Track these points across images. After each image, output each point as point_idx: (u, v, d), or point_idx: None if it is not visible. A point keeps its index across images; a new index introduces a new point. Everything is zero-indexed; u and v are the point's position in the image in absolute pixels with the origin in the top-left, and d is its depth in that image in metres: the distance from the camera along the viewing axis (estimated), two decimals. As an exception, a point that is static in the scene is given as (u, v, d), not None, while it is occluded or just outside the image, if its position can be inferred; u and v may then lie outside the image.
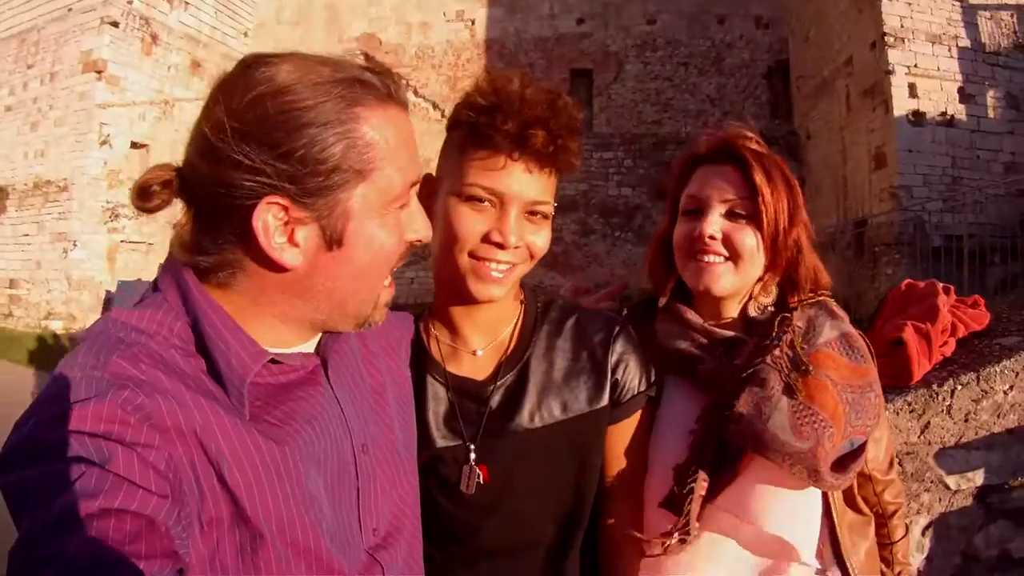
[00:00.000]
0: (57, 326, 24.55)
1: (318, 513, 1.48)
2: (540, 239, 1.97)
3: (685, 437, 2.15)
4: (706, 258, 2.16)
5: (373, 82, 1.48)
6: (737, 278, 2.18)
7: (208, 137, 1.37)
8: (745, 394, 2.04)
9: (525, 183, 1.87)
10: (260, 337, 1.48)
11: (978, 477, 3.53)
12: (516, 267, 1.96)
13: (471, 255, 1.92)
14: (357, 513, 1.62)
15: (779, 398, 2.03)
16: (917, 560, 3.48)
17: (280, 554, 1.38)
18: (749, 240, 2.14)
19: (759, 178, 2.10)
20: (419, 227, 1.58)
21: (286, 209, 1.39)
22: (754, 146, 2.16)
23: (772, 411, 2.01)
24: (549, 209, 1.97)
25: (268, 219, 1.38)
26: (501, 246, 1.89)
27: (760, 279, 2.23)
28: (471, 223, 1.90)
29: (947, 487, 3.51)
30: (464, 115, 1.92)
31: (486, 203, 1.89)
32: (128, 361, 1.31)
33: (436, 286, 2.16)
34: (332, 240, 1.44)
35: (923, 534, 3.52)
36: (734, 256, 2.15)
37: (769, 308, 2.27)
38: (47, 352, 20.60)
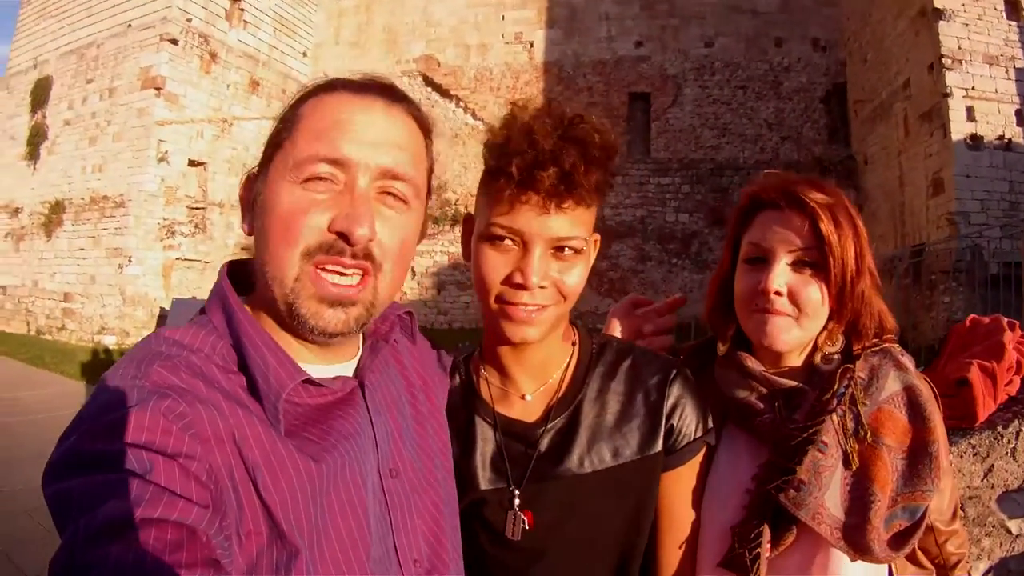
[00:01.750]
0: (110, 341, 25.05)
1: (356, 533, 1.48)
2: (571, 277, 1.85)
3: (740, 493, 2.06)
4: (770, 315, 2.07)
5: (349, 81, 1.62)
6: (801, 333, 2.08)
7: None
8: (808, 459, 1.95)
9: (543, 222, 1.77)
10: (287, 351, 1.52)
11: (1042, 521, 3.41)
12: (546, 308, 1.85)
13: (498, 299, 1.85)
14: (392, 539, 1.60)
15: (837, 467, 1.96)
16: (975, 608, 3.37)
17: (317, 573, 1.38)
18: (815, 294, 2.04)
19: (827, 227, 1.98)
20: (343, 214, 1.47)
21: (252, 181, 1.59)
22: (817, 195, 2.04)
23: (830, 482, 1.94)
24: (579, 244, 1.83)
25: (241, 192, 1.63)
26: (524, 287, 1.80)
27: (824, 328, 2.13)
28: (493, 264, 1.83)
29: (1008, 531, 3.40)
30: (483, 153, 1.86)
31: (508, 242, 1.81)
32: (169, 370, 1.35)
33: (484, 327, 2.06)
34: (256, 199, 1.56)
35: None
36: (799, 312, 2.05)
37: (835, 356, 2.16)
38: (99, 366, 20.79)
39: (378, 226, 1.50)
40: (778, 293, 2.02)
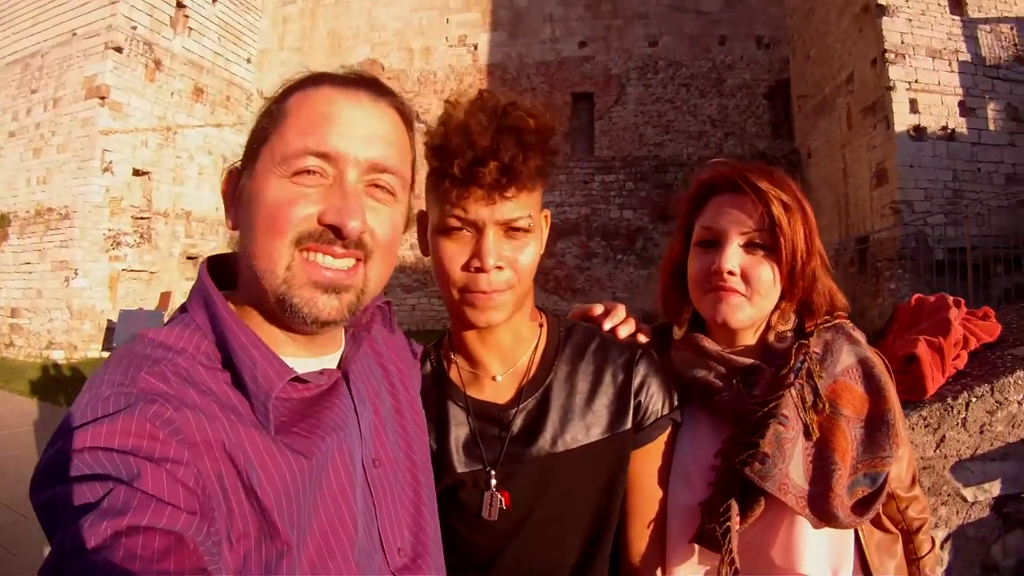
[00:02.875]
0: (59, 356, 24.53)
1: (345, 524, 1.51)
2: (524, 255, 1.93)
3: (705, 470, 2.12)
4: (724, 292, 2.12)
5: (334, 76, 1.64)
6: (754, 311, 2.15)
7: None
8: (770, 433, 2.01)
9: (491, 210, 1.85)
10: (270, 344, 1.53)
11: (995, 488, 3.50)
12: (505, 292, 1.92)
13: (461, 289, 1.92)
14: (377, 528, 1.63)
15: (798, 439, 2.02)
16: (938, 573, 3.43)
17: (307, 568, 1.40)
18: (767, 274, 2.11)
19: (777, 210, 2.07)
20: (333, 207, 1.49)
21: (235, 176, 1.62)
22: (767, 180, 2.13)
23: (792, 453, 2.00)
24: (527, 223, 1.91)
25: (222, 187, 1.63)
26: (482, 269, 1.87)
27: (777, 308, 2.20)
28: (452, 254, 1.90)
29: (964, 499, 3.49)
30: (426, 154, 1.91)
31: (463, 231, 1.88)
32: (156, 377, 1.36)
33: (449, 314, 2.11)
34: (242, 193, 1.57)
35: (941, 547, 3.49)
36: (751, 291, 2.12)
37: (788, 334, 2.24)
38: (49, 382, 20.49)
39: (368, 217, 1.53)
40: (731, 272, 2.09)
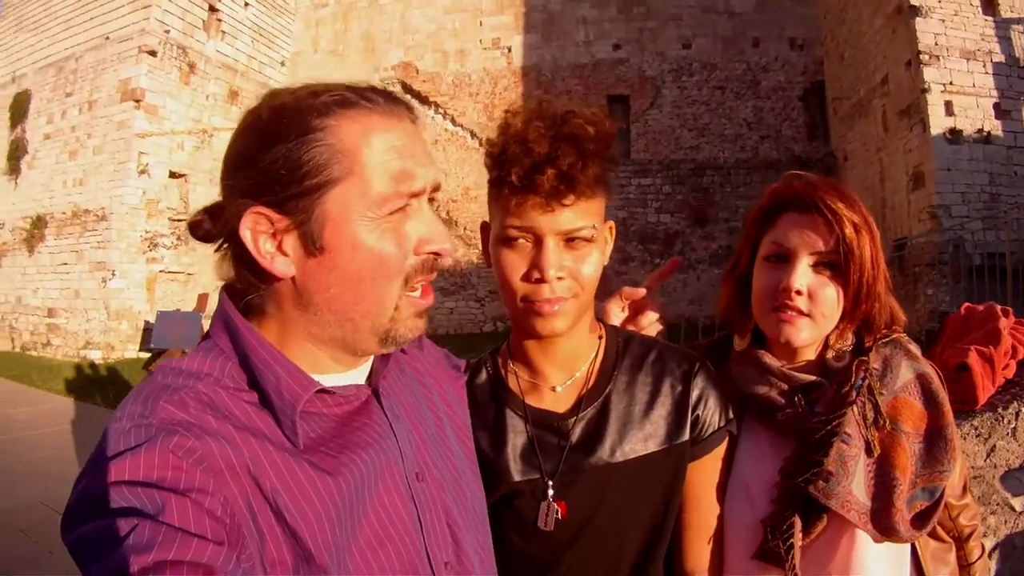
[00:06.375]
0: (96, 356, 24.72)
1: (393, 541, 1.49)
2: (586, 266, 1.91)
3: (767, 487, 2.11)
4: (788, 312, 2.12)
5: (367, 96, 1.53)
6: (817, 331, 2.15)
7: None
8: (834, 451, 2.00)
9: (550, 218, 1.83)
10: (304, 365, 1.50)
11: (1044, 498, 3.49)
12: (568, 300, 1.91)
13: (523, 299, 1.91)
14: (423, 544, 1.58)
15: (860, 456, 2.01)
16: (986, 581, 3.41)
17: None
18: (832, 295, 2.10)
19: (850, 233, 2.05)
20: (430, 234, 1.52)
21: (270, 219, 1.44)
22: (840, 202, 2.10)
23: (855, 470, 1.99)
24: (588, 233, 1.88)
25: (250, 228, 1.44)
26: (543, 280, 1.86)
27: (836, 327, 2.19)
28: (512, 264, 1.90)
29: (1013, 509, 3.49)
30: (486, 163, 1.94)
31: (522, 240, 1.88)
32: (175, 405, 1.34)
33: (511, 323, 2.12)
34: (313, 245, 1.45)
35: (990, 556, 3.47)
36: (815, 312, 2.11)
37: (846, 351, 2.23)
38: (86, 382, 20.67)
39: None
40: (799, 292, 2.08)
